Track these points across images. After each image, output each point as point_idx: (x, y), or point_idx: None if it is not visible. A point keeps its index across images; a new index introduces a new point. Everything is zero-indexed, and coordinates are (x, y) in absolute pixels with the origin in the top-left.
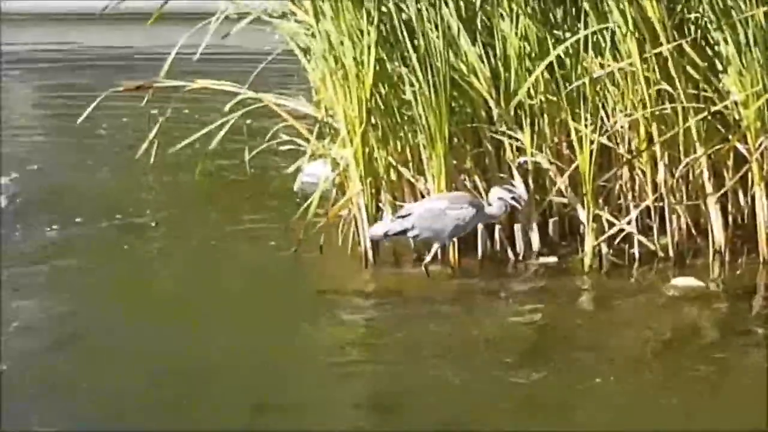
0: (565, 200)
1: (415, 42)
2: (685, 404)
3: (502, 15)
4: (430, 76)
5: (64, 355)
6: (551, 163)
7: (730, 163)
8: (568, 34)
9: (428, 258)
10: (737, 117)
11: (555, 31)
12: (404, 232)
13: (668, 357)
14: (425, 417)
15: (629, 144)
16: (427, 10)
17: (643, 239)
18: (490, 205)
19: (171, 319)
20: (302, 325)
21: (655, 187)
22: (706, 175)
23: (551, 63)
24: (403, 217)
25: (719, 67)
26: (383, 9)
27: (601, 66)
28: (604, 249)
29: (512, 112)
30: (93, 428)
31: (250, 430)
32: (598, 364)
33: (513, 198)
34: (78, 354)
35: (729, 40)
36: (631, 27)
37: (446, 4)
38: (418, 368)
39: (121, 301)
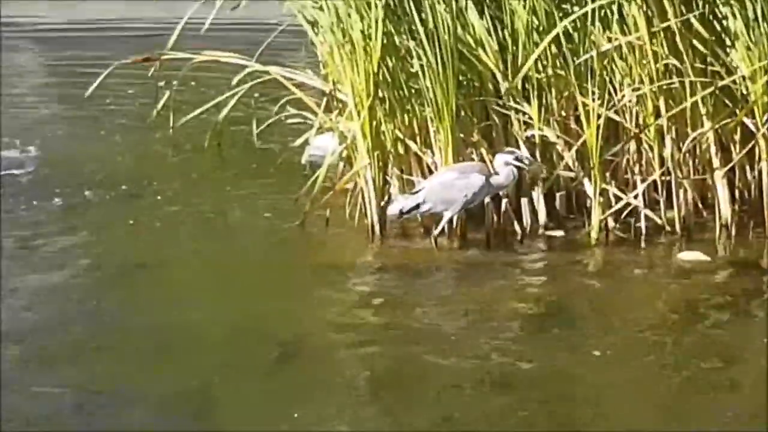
0: (572, 174)
1: (423, 15)
2: (688, 376)
3: None
4: (437, 50)
5: (63, 328)
6: (558, 137)
7: (737, 137)
8: (576, 8)
9: (437, 231)
10: (745, 92)
11: (563, 5)
12: (417, 207)
13: (674, 330)
14: (429, 387)
15: (637, 118)
16: None
17: (650, 213)
18: (497, 174)
19: (175, 289)
20: (308, 298)
21: (662, 161)
22: (713, 149)
23: (558, 36)
24: (415, 193)
25: (727, 41)
26: None
27: (609, 40)
28: (611, 223)
29: (519, 86)
30: (90, 401)
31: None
32: (603, 336)
33: (516, 158)
34: (78, 328)
35: (737, 14)
36: (638, 1)
37: None
38: (424, 340)
39: (125, 273)
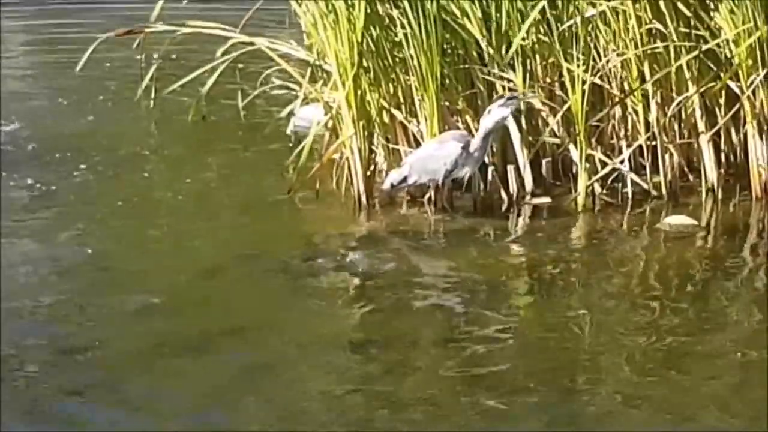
0: (557, 140)
1: None
2: (675, 340)
3: None
4: (421, 18)
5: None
6: (543, 103)
7: (722, 101)
8: None
9: (425, 198)
10: (729, 55)
11: None
12: (405, 179)
13: (661, 293)
14: (417, 354)
15: (621, 83)
16: None
17: (636, 178)
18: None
19: (162, 259)
20: (295, 268)
21: (648, 126)
22: (698, 113)
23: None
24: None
25: (710, 4)
26: None
27: (593, 5)
28: (597, 189)
29: (504, 53)
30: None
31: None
32: (591, 300)
33: (509, 99)
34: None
35: None
36: None
37: None
38: (412, 306)
39: (113, 245)
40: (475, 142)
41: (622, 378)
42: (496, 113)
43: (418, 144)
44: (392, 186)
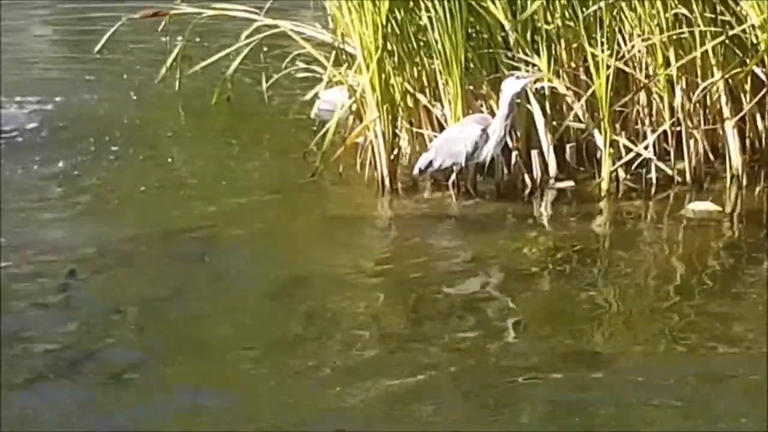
0: (582, 126)
1: None
2: (696, 326)
3: None
4: (445, 1)
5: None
6: (568, 88)
7: (747, 87)
8: None
9: (449, 181)
10: (755, 41)
11: None
12: (431, 163)
13: (684, 279)
14: (437, 337)
15: (646, 69)
16: None
17: (660, 164)
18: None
19: (185, 242)
20: (318, 251)
21: (672, 111)
22: (723, 99)
23: None
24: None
25: None
26: None
27: None
28: (621, 174)
29: (529, 37)
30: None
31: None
32: (615, 285)
33: (517, 78)
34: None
35: None
36: None
37: None
38: (435, 290)
39: (132, 231)
40: (495, 123)
41: (647, 358)
42: (509, 89)
43: (441, 128)
44: (420, 171)
